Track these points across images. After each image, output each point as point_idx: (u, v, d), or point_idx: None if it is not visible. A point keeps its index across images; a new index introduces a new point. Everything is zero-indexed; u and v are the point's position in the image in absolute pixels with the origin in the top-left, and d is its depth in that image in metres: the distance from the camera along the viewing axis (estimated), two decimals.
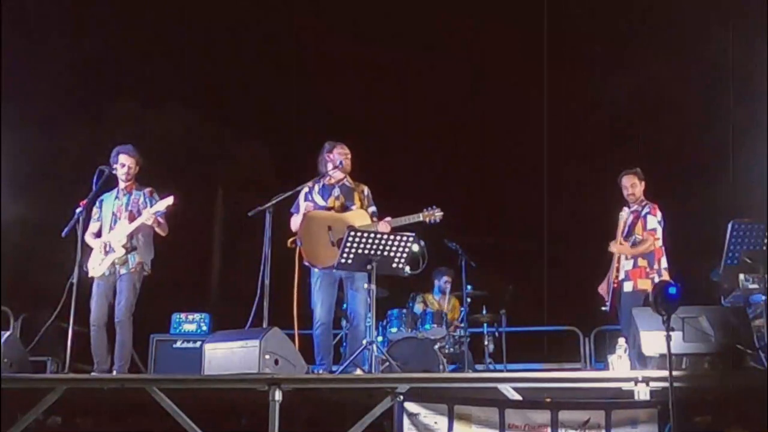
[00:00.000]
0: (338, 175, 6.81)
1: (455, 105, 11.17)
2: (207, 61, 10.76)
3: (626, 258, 7.00)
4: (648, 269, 6.90)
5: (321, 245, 6.56)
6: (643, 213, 7.02)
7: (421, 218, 6.67)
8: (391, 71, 10.93)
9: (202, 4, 10.55)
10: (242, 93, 10.94)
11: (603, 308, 7.15)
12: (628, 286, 6.92)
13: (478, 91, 10.94)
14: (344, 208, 6.73)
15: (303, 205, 6.75)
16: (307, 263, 6.65)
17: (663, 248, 6.98)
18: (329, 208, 6.74)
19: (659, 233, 6.97)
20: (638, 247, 6.94)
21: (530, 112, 10.92)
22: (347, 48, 10.81)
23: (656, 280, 6.79)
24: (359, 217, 6.68)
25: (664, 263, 6.94)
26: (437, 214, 6.63)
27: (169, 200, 6.66)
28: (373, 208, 6.82)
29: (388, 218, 6.67)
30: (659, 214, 7.02)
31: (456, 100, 11.13)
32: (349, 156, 6.81)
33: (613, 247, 7.04)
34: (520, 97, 10.79)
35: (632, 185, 7.12)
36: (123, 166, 6.78)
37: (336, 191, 6.78)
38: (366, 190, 6.85)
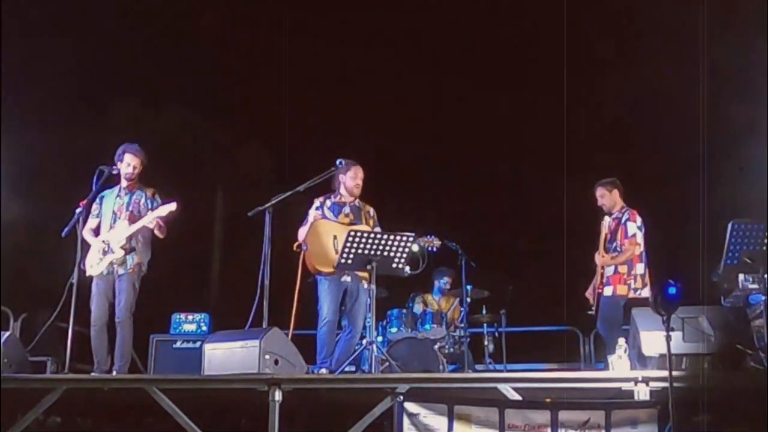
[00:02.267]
0: (349, 196, 6.84)
1: (455, 105, 11.17)
2: (207, 61, 10.76)
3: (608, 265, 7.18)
4: (626, 276, 7.08)
5: (325, 252, 6.60)
6: (623, 220, 7.19)
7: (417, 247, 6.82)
8: (391, 72, 10.93)
9: (201, 3, 10.55)
10: (242, 93, 10.93)
11: (589, 311, 7.34)
12: (608, 291, 7.10)
13: (477, 93, 10.93)
14: (353, 225, 6.74)
15: (313, 215, 6.78)
16: (310, 269, 6.67)
17: (643, 253, 7.15)
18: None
19: (639, 238, 7.13)
20: (621, 256, 7.10)
21: (531, 113, 10.92)
22: (346, 48, 10.82)
23: (632, 285, 7.04)
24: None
25: (640, 269, 7.10)
26: (435, 243, 6.80)
27: (172, 206, 6.62)
28: (378, 229, 6.82)
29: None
30: (639, 219, 7.18)
31: (456, 101, 11.13)
32: (361, 182, 6.84)
33: (598, 259, 7.20)
34: (520, 97, 10.79)
35: (601, 196, 7.35)
36: (128, 165, 6.76)
37: (346, 209, 6.83)
38: (372, 211, 6.92)
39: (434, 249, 6.81)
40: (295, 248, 6.61)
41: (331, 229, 6.67)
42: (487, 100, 10.90)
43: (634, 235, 7.09)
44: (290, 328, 6.45)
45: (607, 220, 7.31)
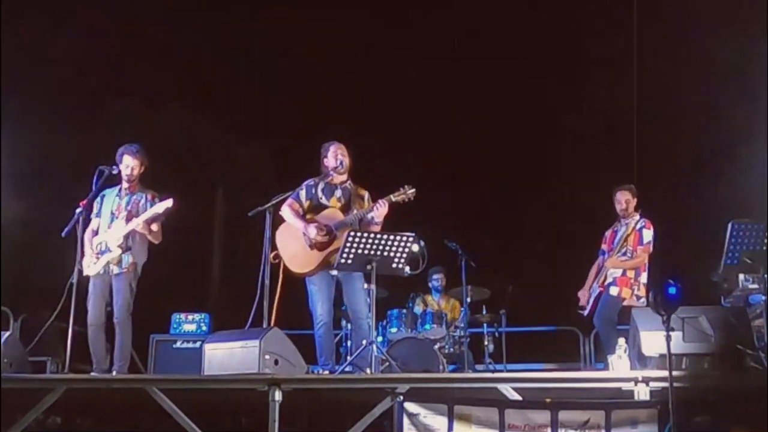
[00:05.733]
0: (340, 176, 6.80)
1: (456, 105, 11.16)
2: (207, 61, 10.76)
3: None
4: (632, 281, 7.17)
5: (300, 252, 6.56)
6: (638, 227, 7.24)
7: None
8: (393, 72, 10.93)
9: (202, 3, 10.55)
10: (242, 93, 10.93)
11: (580, 311, 7.44)
12: (613, 291, 7.16)
13: (478, 93, 10.93)
14: (346, 209, 6.70)
15: (303, 197, 6.71)
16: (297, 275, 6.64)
17: (646, 264, 7.23)
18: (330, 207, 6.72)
19: (651, 248, 7.21)
20: (631, 261, 7.18)
21: (531, 113, 10.92)
22: (347, 46, 10.82)
23: (635, 291, 7.12)
24: (330, 215, 6.65)
25: (644, 278, 7.20)
26: (409, 193, 6.55)
27: (168, 203, 6.62)
28: (373, 213, 6.75)
29: (381, 200, 6.57)
30: (652, 229, 7.25)
31: (457, 100, 11.12)
32: (346, 155, 6.79)
33: (610, 263, 7.24)
34: (521, 98, 10.79)
35: (626, 201, 7.38)
36: (127, 167, 6.75)
37: (338, 192, 6.77)
38: (366, 195, 6.81)
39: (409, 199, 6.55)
40: (272, 259, 6.56)
41: (292, 229, 6.62)
42: (488, 100, 10.90)
43: (649, 243, 7.18)
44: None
45: (617, 225, 7.40)
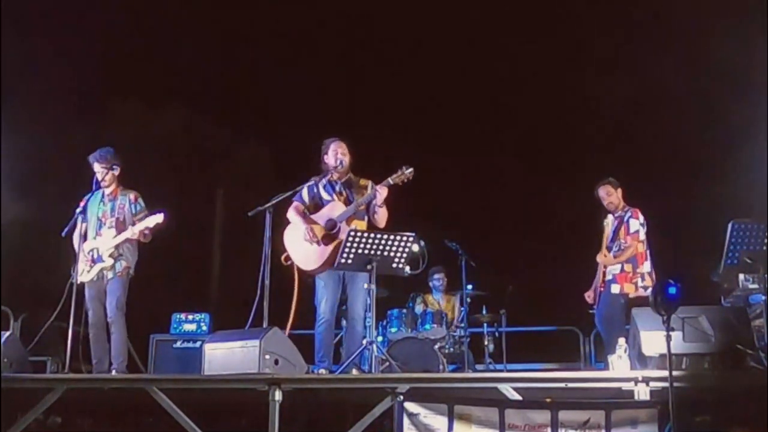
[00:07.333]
0: (341, 171, 6.79)
1: (456, 104, 11.17)
2: (207, 61, 10.77)
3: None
4: (632, 274, 7.06)
5: (309, 250, 6.56)
6: (626, 218, 7.17)
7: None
8: (393, 71, 10.94)
9: (202, 4, 10.56)
10: (242, 93, 10.94)
11: (591, 311, 7.36)
12: (615, 289, 7.07)
13: (477, 93, 10.94)
14: (349, 202, 6.69)
15: (306, 197, 6.72)
16: (307, 274, 6.65)
17: (647, 251, 7.12)
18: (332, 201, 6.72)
19: (642, 235, 7.12)
20: (623, 254, 7.10)
21: (531, 113, 10.93)
22: (348, 45, 10.83)
23: (639, 284, 7.00)
24: (335, 209, 6.65)
25: (647, 267, 7.08)
26: (407, 172, 6.53)
27: (159, 218, 6.61)
28: (374, 200, 6.66)
29: (379, 186, 6.57)
30: (641, 217, 7.17)
31: (457, 99, 11.13)
32: (347, 153, 6.79)
33: (600, 258, 7.22)
34: (521, 97, 10.80)
35: (608, 194, 7.31)
36: (97, 173, 6.71)
37: (339, 187, 6.76)
38: (369, 184, 6.76)
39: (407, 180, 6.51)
40: (283, 261, 6.57)
41: (299, 230, 6.62)
42: (488, 100, 10.91)
43: (636, 232, 7.08)
44: (287, 329, 6.44)
45: (609, 218, 7.32)
